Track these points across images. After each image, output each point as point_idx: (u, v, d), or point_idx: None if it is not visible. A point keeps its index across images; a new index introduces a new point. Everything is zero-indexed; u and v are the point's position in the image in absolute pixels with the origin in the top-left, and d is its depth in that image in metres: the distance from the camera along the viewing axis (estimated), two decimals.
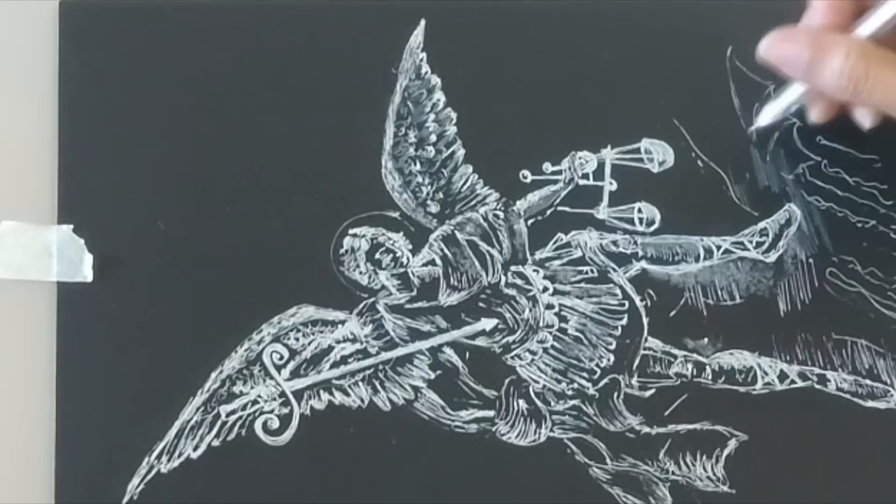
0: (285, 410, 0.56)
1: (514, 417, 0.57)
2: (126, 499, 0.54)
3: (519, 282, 0.59)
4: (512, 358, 0.58)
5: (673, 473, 0.57)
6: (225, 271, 0.58)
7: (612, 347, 0.58)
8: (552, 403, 0.57)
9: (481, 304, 0.58)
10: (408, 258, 0.59)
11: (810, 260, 0.60)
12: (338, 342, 0.57)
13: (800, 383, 0.58)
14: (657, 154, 0.60)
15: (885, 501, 0.57)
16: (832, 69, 0.52)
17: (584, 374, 0.58)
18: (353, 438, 0.56)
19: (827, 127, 0.59)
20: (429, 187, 0.60)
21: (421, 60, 0.60)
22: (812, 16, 0.56)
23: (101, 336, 0.56)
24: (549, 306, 0.58)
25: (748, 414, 0.57)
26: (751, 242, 0.60)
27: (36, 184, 0.58)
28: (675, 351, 0.58)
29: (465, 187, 0.60)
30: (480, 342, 0.58)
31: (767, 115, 0.60)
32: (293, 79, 0.60)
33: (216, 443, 0.56)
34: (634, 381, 0.58)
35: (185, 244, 0.58)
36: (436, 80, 0.60)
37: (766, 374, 0.58)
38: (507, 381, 0.57)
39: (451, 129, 0.60)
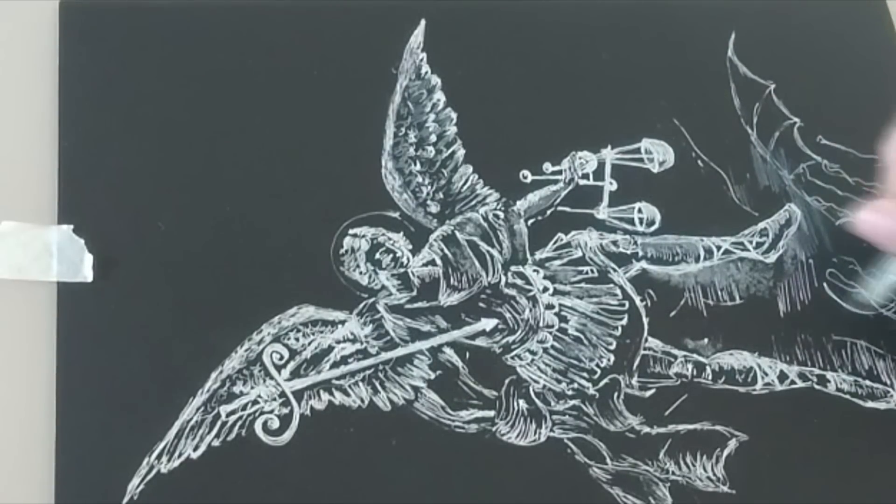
0: (285, 410, 0.56)
1: (514, 417, 0.57)
2: (126, 499, 0.54)
3: (519, 282, 0.59)
4: (512, 358, 0.58)
5: (673, 473, 0.57)
6: (225, 271, 0.58)
7: (613, 347, 0.58)
8: (552, 403, 0.57)
9: (481, 304, 0.58)
10: (408, 258, 0.59)
11: (810, 260, 0.60)
12: (338, 342, 0.57)
13: (800, 384, 0.58)
14: (657, 154, 0.60)
15: (885, 501, 0.57)
16: None
17: (584, 374, 0.58)
18: (353, 438, 0.56)
19: None
20: (429, 187, 0.60)
21: (421, 60, 0.60)
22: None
23: (101, 336, 0.56)
24: (550, 306, 0.58)
25: (748, 414, 0.57)
26: (751, 243, 0.60)
27: (36, 184, 0.58)
28: (676, 351, 0.58)
29: (465, 187, 0.60)
30: (480, 342, 0.58)
31: (871, 294, 0.58)
32: (293, 79, 0.60)
33: (216, 443, 0.56)
34: (634, 381, 0.58)
35: (185, 244, 0.58)
36: (436, 80, 0.60)
37: (766, 374, 0.58)
38: (507, 381, 0.57)
39: (451, 129, 0.60)
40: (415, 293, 0.58)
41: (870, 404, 0.58)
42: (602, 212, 0.60)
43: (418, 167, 0.60)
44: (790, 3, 0.62)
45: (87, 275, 0.57)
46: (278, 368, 0.57)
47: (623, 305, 0.59)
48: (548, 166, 0.60)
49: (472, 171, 0.60)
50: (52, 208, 0.58)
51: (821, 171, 0.60)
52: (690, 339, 0.58)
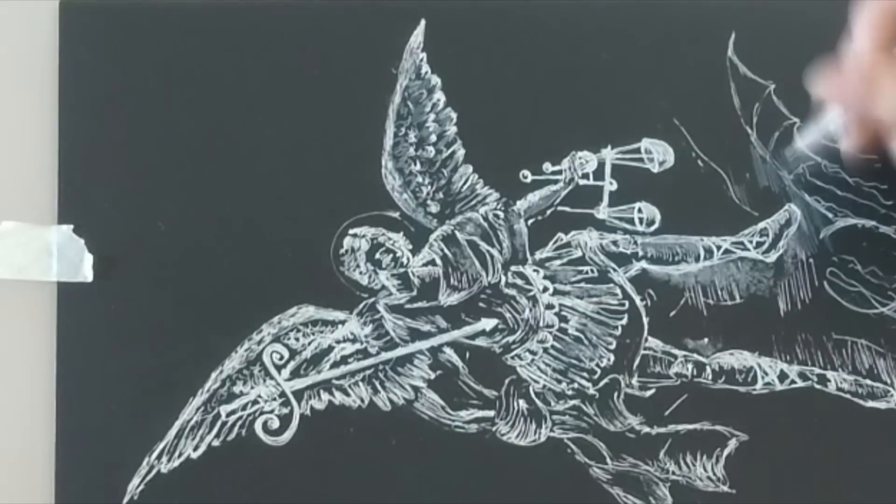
0: (285, 410, 0.56)
1: (514, 417, 0.57)
2: (126, 499, 0.54)
3: (519, 282, 0.59)
4: (512, 358, 0.58)
5: (673, 473, 0.57)
6: (225, 271, 0.58)
7: (613, 347, 0.58)
8: (552, 403, 0.57)
9: (481, 304, 0.58)
10: (408, 258, 0.59)
11: (810, 260, 0.60)
12: (338, 342, 0.57)
13: (800, 383, 0.58)
14: (657, 154, 0.60)
15: (885, 501, 0.57)
16: (887, 102, 0.51)
17: (585, 374, 0.58)
18: (353, 438, 0.56)
19: (859, 160, 0.58)
20: (429, 187, 0.60)
21: (421, 60, 0.60)
22: (858, 38, 0.53)
23: (101, 336, 0.56)
24: (550, 306, 0.58)
25: (748, 414, 0.57)
26: (751, 242, 0.60)
27: (36, 184, 0.58)
28: (676, 351, 0.58)
29: (465, 187, 0.60)
30: (480, 342, 0.58)
31: (807, 139, 0.59)
32: (293, 79, 0.60)
33: (216, 443, 0.56)
34: (634, 381, 0.58)
35: (185, 244, 0.58)
36: (436, 80, 0.60)
37: (766, 374, 0.58)
38: (507, 381, 0.57)
39: (451, 129, 0.60)
40: (415, 293, 0.58)
41: (870, 404, 0.58)
42: (602, 212, 0.60)
43: (418, 167, 0.60)
44: (790, 3, 0.62)
45: (87, 275, 0.57)
46: (278, 368, 0.57)
47: (623, 305, 0.59)
48: (548, 166, 0.60)
49: (472, 171, 0.60)
50: (52, 208, 0.58)
51: (821, 171, 0.60)
52: (690, 339, 0.58)
